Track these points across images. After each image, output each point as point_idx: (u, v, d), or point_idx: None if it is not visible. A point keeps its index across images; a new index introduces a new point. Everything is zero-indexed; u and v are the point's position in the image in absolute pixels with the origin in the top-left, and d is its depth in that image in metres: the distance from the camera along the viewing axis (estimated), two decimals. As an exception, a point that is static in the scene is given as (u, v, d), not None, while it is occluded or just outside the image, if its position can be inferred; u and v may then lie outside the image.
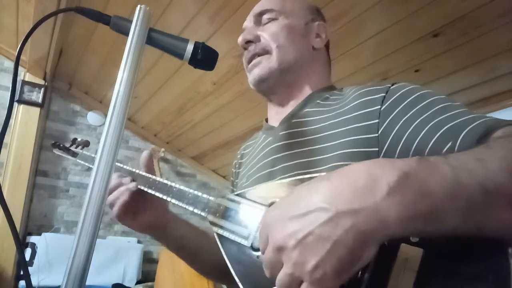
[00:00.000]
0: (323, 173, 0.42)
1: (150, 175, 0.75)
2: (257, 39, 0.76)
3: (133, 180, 0.75)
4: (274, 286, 0.41)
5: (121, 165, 0.80)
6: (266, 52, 0.74)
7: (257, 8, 0.79)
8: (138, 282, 2.40)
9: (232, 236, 0.54)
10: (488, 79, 1.59)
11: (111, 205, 0.73)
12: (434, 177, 0.36)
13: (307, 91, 0.76)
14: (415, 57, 1.56)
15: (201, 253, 0.81)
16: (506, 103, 1.64)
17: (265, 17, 0.77)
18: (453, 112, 0.52)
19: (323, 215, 0.36)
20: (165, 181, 0.71)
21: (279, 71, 0.74)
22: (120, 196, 0.72)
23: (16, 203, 2.23)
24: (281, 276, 0.38)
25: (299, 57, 0.75)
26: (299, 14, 0.79)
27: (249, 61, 0.77)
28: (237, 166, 0.91)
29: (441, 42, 1.45)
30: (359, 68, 1.70)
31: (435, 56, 1.53)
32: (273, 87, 0.77)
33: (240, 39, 0.77)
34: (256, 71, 0.75)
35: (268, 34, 0.75)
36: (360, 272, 0.40)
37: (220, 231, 0.56)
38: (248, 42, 0.76)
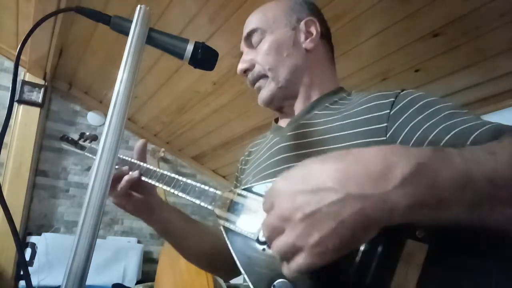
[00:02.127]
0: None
1: (157, 169, 0.77)
2: (251, 66, 0.77)
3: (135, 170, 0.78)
4: (280, 278, 0.42)
5: (128, 159, 0.82)
6: (263, 76, 0.76)
7: (244, 31, 0.80)
8: (138, 282, 2.40)
9: (238, 229, 0.55)
10: (488, 79, 1.59)
11: (113, 188, 0.75)
12: (447, 169, 0.37)
13: (315, 95, 0.77)
14: (415, 57, 1.56)
15: (186, 240, 0.83)
16: (506, 103, 1.64)
17: (253, 39, 0.78)
18: (462, 118, 0.53)
19: (333, 195, 0.36)
20: (173, 175, 0.73)
21: (279, 90, 0.75)
22: (124, 183, 0.75)
23: (16, 203, 2.23)
24: (280, 243, 0.39)
25: (294, 69, 0.75)
26: (283, 21, 0.77)
27: (253, 85, 0.79)
28: (243, 162, 0.92)
29: (441, 42, 1.45)
30: (359, 68, 1.70)
31: (435, 56, 1.53)
32: (280, 104, 0.79)
33: (238, 69, 0.79)
34: (260, 96, 0.78)
35: (260, 58, 0.76)
36: (365, 267, 0.41)
37: (227, 224, 0.57)
38: (246, 70, 0.78)
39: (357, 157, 0.38)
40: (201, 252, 0.84)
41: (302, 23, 0.77)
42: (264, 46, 0.75)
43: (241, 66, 0.79)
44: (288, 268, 0.39)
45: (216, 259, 0.82)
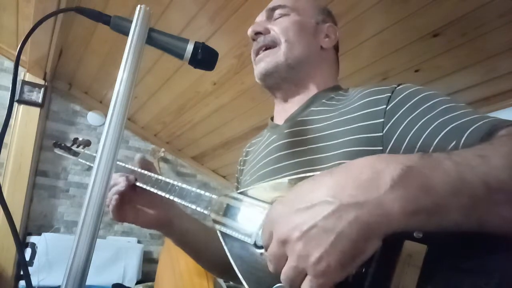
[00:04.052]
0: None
1: (152, 174, 0.75)
2: (266, 31, 0.76)
3: (129, 178, 0.74)
4: (278, 283, 0.41)
5: (123, 164, 0.80)
6: (274, 44, 0.75)
7: (270, 4, 0.81)
8: (138, 282, 2.40)
9: (235, 234, 0.55)
10: (488, 79, 1.59)
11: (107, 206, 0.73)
12: (437, 173, 0.37)
13: (313, 90, 0.77)
14: (415, 57, 1.56)
15: (205, 249, 0.82)
16: (506, 103, 1.64)
17: (277, 12, 0.78)
18: (457, 113, 0.53)
19: (327, 208, 0.36)
20: (168, 180, 0.71)
21: (285, 66, 0.74)
22: (113, 196, 0.72)
23: (16, 203, 2.23)
24: (286, 270, 0.38)
25: (307, 55, 0.76)
26: (311, 13, 0.80)
27: (257, 53, 0.77)
28: (241, 163, 0.92)
29: (441, 42, 1.45)
30: (359, 68, 1.70)
31: (435, 56, 1.53)
32: (279, 82, 0.77)
33: (249, 31, 0.78)
34: (262, 64, 0.75)
35: (279, 28, 0.75)
36: (364, 268, 0.40)
37: (223, 229, 0.57)
38: (258, 33, 0.77)
39: (345, 169, 0.39)
40: (221, 263, 0.81)
41: (326, 25, 0.80)
42: (286, 21, 0.76)
43: (255, 27, 0.77)
44: None
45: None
